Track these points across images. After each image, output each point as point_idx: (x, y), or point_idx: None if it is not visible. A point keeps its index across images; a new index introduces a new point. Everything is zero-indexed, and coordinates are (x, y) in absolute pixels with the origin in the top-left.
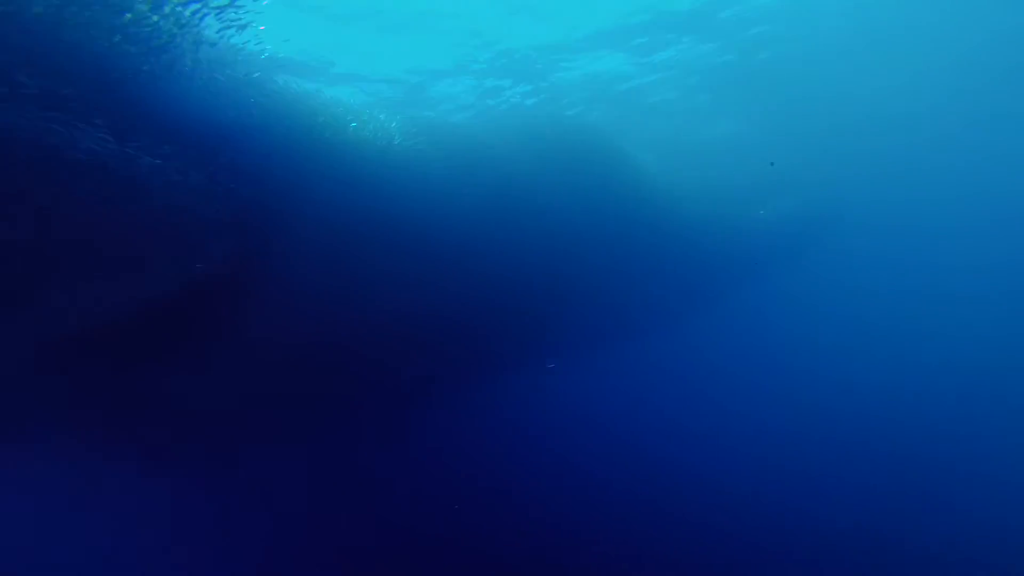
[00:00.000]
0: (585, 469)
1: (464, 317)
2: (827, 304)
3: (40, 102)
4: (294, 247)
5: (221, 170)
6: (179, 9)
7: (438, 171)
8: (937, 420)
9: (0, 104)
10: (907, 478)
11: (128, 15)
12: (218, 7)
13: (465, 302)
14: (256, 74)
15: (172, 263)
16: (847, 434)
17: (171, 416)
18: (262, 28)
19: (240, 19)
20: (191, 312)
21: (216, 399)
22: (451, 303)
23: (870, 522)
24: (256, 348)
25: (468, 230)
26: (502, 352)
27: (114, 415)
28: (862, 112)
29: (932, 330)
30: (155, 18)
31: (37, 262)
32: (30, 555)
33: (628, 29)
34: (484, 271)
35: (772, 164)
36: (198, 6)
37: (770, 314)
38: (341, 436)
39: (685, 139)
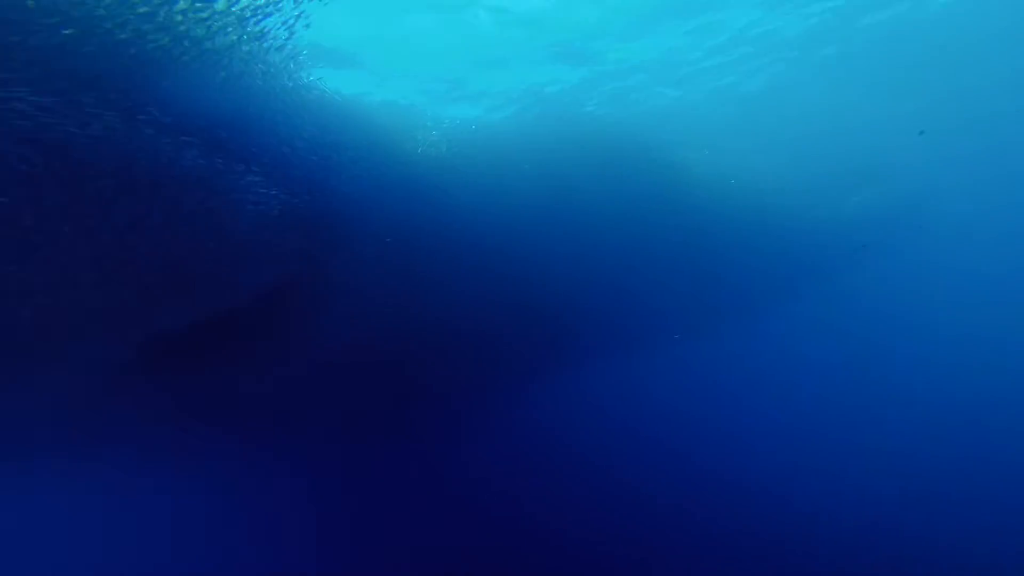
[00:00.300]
0: (655, 467)
1: (518, 319)
2: (907, 308)
3: (156, 127)
4: (354, 254)
5: (296, 184)
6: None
7: (485, 175)
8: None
9: (128, 132)
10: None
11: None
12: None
13: (519, 304)
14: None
15: (250, 274)
16: (926, 448)
17: (243, 413)
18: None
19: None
20: (261, 318)
21: (283, 399)
22: (505, 304)
23: (948, 539)
24: (320, 351)
25: (518, 233)
26: (561, 351)
27: (195, 414)
28: (971, 103)
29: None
30: (245, 48)
31: (146, 277)
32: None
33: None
34: (538, 273)
35: (922, 133)
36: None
37: (844, 313)
38: (403, 434)
39: (760, 126)
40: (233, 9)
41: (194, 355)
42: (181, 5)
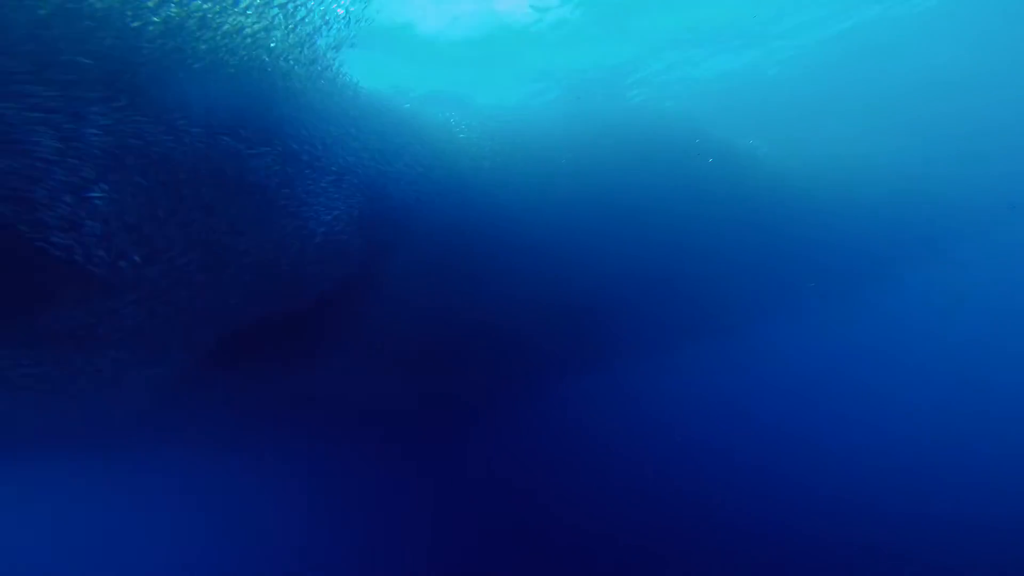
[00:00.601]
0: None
1: (570, 313)
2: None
3: (235, 139)
4: (405, 254)
5: (358, 190)
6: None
7: (529, 164)
8: None
9: (212, 145)
10: None
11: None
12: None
13: (572, 298)
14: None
15: (311, 277)
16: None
17: (299, 411)
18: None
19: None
20: (319, 319)
21: (342, 395)
22: (558, 299)
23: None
24: (377, 349)
25: (569, 230)
26: (619, 344)
27: (259, 412)
28: None
29: None
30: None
31: (241, 276)
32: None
33: None
34: (593, 269)
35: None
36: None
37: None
38: (453, 428)
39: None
40: (291, 39)
41: (258, 354)
42: (248, 30)
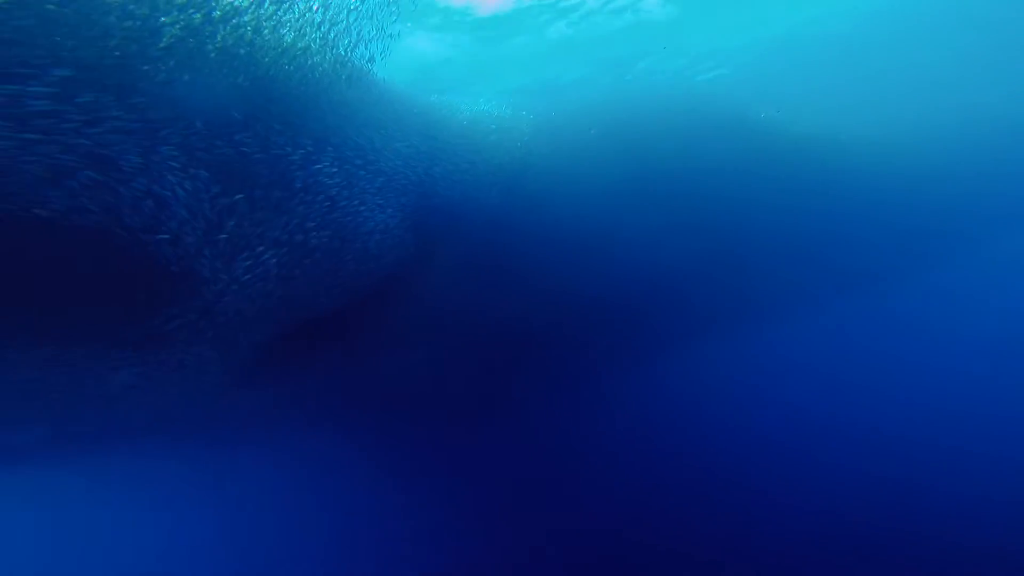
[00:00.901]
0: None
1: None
2: None
3: (293, 146)
4: (453, 246)
5: (407, 190)
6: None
7: (577, 165)
8: None
9: (272, 151)
10: None
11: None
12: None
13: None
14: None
15: (362, 274)
16: None
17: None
18: None
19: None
20: (364, 313)
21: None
22: (609, 289)
23: None
24: (428, 336)
25: (622, 219)
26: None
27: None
28: None
29: None
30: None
31: (311, 270)
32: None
33: None
34: (645, 257)
35: None
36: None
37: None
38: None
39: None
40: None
41: (322, 347)
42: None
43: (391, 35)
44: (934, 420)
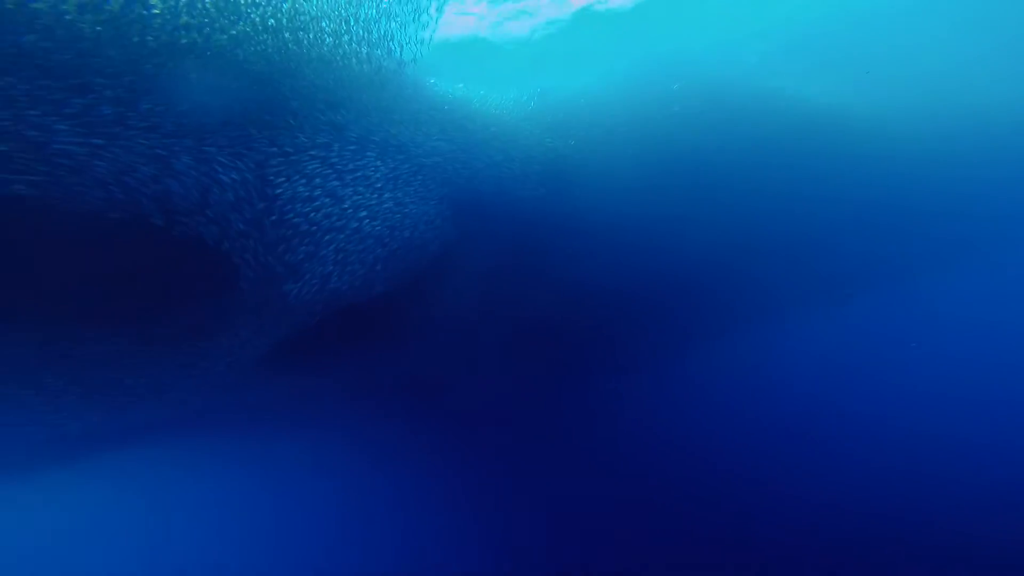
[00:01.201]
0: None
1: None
2: None
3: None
4: (490, 234)
5: (446, 184)
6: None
7: (606, 157)
8: None
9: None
10: None
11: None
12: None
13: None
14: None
15: (403, 266)
16: None
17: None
18: None
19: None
20: (403, 302)
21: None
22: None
23: None
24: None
25: (654, 208)
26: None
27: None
28: None
29: None
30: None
31: (367, 256)
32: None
33: None
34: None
35: None
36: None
37: None
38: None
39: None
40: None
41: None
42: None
43: (422, 42)
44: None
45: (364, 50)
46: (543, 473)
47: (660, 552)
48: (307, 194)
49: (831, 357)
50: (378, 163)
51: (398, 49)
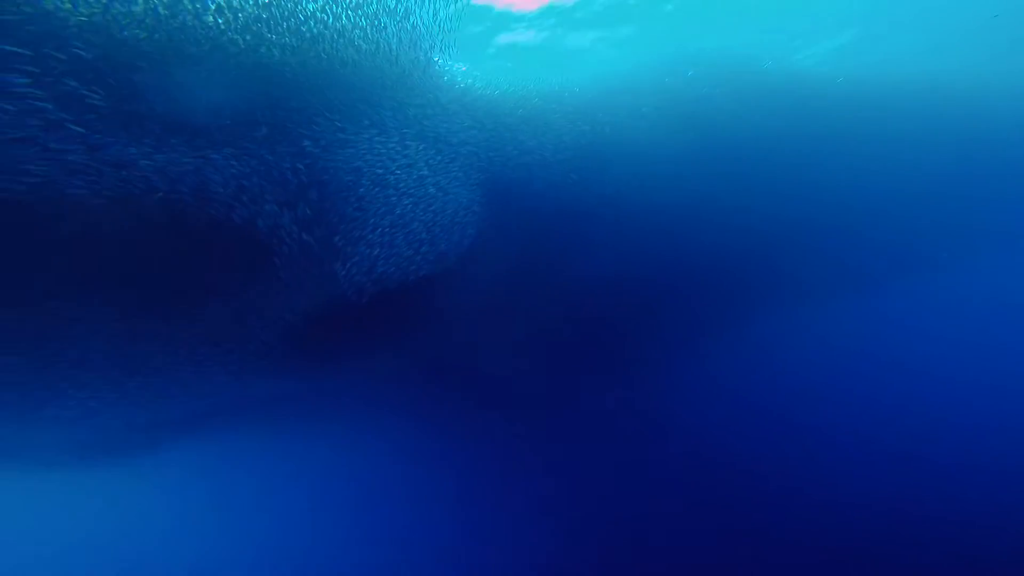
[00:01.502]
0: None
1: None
2: None
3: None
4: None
5: (480, 170)
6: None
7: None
8: None
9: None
10: None
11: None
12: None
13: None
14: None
15: (438, 254)
16: None
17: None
18: None
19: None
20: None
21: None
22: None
23: None
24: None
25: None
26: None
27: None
28: None
29: None
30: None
31: (410, 235)
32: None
33: None
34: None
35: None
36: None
37: None
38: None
39: None
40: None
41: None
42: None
43: (451, 30)
44: None
45: (395, 47)
46: (578, 467)
47: (701, 543)
48: (354, 180)
49: (875, 342)
50: (420, 146)
51: (441, 48)
